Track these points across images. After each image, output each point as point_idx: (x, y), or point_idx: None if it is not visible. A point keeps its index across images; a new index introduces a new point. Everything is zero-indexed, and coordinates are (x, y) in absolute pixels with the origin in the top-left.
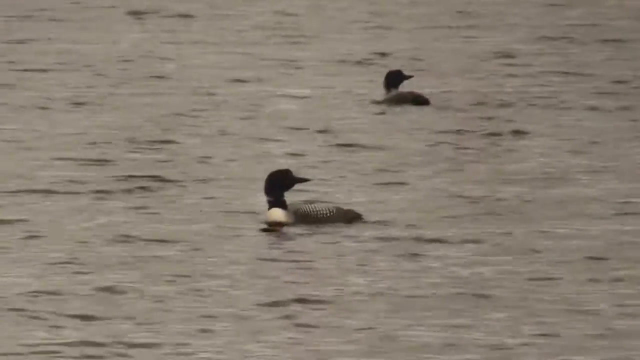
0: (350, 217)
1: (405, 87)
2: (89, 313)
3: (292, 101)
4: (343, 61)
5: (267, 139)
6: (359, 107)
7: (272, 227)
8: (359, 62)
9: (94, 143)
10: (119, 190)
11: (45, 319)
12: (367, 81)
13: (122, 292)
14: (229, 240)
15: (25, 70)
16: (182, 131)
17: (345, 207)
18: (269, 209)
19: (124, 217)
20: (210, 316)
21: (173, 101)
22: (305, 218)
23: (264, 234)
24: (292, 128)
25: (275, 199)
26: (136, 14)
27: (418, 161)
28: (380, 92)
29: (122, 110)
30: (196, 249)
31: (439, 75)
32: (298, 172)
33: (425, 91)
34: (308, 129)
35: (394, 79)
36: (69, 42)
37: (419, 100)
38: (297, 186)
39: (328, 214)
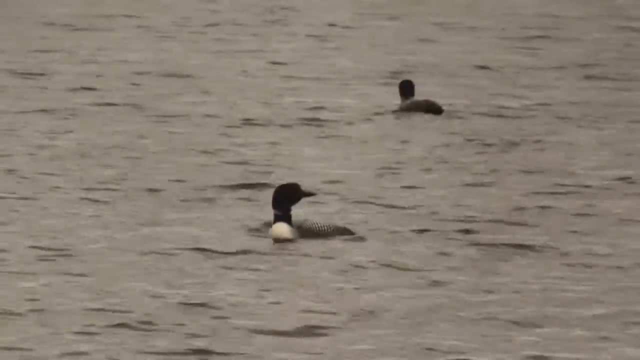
0: (345, 234)
1: (420, 95)
2: (167, 323)
3: (336, 111)
4: (391, 72)
5: (307, 147)
6: (399, 118)
7: (276, 242)
8: (409, 73)
9: (150, 151)
10: (177, 199)
11: (131, 329)
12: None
13: (192, 303)
14: (284, 251)
15: (76, 76)
16: (227, 141)
17: (341, 225)
18: (274, 222)
19: (184, 227)
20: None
21: (219, 111)
22: (308, 234)
23: (313, 245)
24: (332, 137)
25: (282, 214)
26: (182, 23)
27: (460, 170)
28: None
29: (170, 120)
30: (253, 259)
31: (484, 86)
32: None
33: (475, 102)
34: (350, 137)
35: (407, 87)
36: (114, 50)
37: (432, 109)
38: (325, 195)
39: (328, 231)
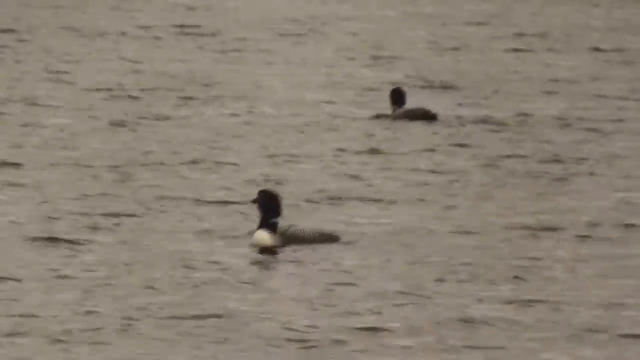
0: (332, 240)
1: (412, 103)
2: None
3: (356, 121)
4: (415, 83)
5: (325, 158)
6: (393, 125)
7: (260, 249)
8: (433, 82)
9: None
10: (194, 210)
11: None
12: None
13: (207, 315)
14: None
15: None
16: (253, 149)
17: (327, 230)
18: (257, 229)
19: (204, 236)
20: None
21: (251, 120)
22: (292, 240)
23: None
24: (350, 150)
25: (265, 219)
26: (218, 35)
27: (494, 181)
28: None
29: (204, 129)
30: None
31: (511, 96)
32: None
33: (507, 114)
34: (372, 149)
35: (398, 95)
36: (151, 61)
37: (427, 116)
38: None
39: (314, 237)
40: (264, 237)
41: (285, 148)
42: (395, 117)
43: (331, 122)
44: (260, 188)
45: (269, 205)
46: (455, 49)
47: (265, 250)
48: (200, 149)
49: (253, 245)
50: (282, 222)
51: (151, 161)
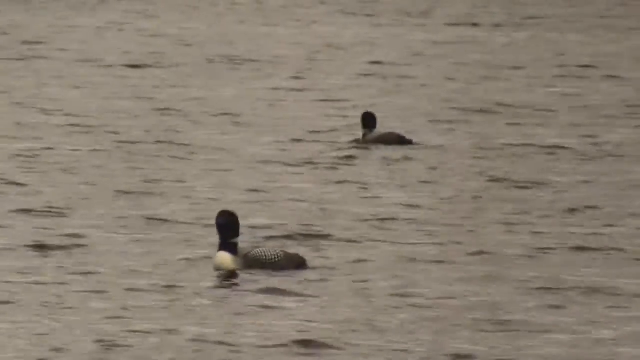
0: (297, 262)
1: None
2: None
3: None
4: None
5: (349, 185)
6: (366, 149)
7: (221, 271)
8: (456, 109)
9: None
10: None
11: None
12: (448, 129)
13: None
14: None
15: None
16: (269, 179)
17: (292, 252)
18: (218, 251)
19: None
20: None
21: (266, 149)
22: (254, 263)
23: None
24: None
25: (225, 241)
26: (236, 61)
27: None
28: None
29: (221, 154)
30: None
31: (535, 124)
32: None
33: (553, 141)
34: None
35: (370, 120)
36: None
37: (403, 141)
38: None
39: (276, 259)
40: (226, 258)
41: (306, 177)
42: (367, 141)
43: (349, 149)
44: (220, 209)
45: (229, 226)
46: (478, 77)
47: (228, 272)
48: (226, 177)
49: (215, 268)
50: (243, 244)
51: (170, 186)
